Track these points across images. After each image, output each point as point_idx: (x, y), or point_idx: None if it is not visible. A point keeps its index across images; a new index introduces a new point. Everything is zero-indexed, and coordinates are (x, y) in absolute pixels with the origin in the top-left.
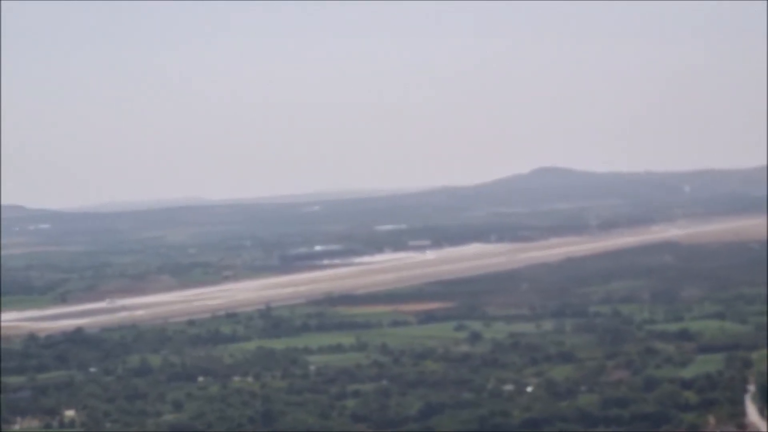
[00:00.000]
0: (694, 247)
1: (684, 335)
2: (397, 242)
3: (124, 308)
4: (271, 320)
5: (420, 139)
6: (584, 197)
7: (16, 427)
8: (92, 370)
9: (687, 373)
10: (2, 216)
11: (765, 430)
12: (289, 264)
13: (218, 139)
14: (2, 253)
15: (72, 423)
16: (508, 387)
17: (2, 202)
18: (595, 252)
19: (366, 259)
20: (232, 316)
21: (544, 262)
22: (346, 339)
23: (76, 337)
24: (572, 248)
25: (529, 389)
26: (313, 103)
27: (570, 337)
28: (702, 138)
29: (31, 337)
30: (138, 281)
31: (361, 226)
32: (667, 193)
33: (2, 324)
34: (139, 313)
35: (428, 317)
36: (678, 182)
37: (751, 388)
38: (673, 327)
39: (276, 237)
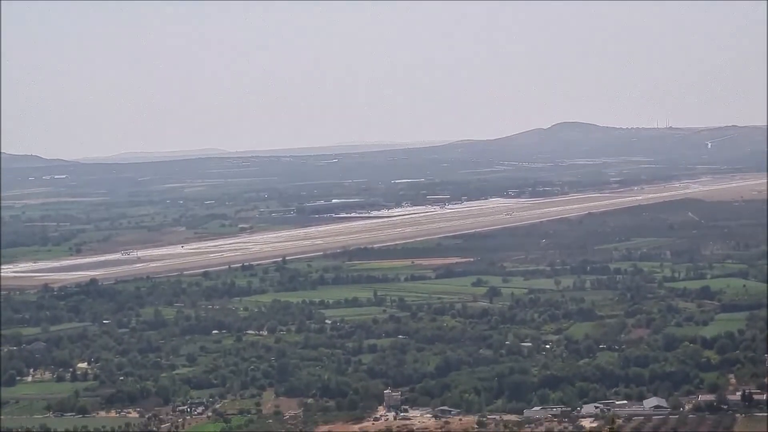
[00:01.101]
0: (716, 205)
1: (705, 293)
2: (415, 196)
3: (139, 260)
4: (287, 273)
5: (440, 92)
6: (606, 153)
7: (29, 378)
8: (106, 322)
9: (708, 332)
10: (18, 166)
11: None
12: (306, 217)
13: (237, 91)
14: (17, 203)
15: (85, 375)
16: (527, 344)
17: (19, 152)
18: (616, 208)
19: (384, 212)
20: (247, 269)
21: (565, 217)
22: (363, 293)
23: (91, 288)
24: (593, 204)
25: (548, 346)
26: (331, 56)
27: (590, 294)
28: (726, 94)
29: (46, 288)
30: (154, 233)
31: (379, 180)
32: (689, 149)
33: (16, 275)
34: (154, 265)
35: (446, 272)
36: (701, 139)
37: None
38: (695, 285)
39: (293, 190)
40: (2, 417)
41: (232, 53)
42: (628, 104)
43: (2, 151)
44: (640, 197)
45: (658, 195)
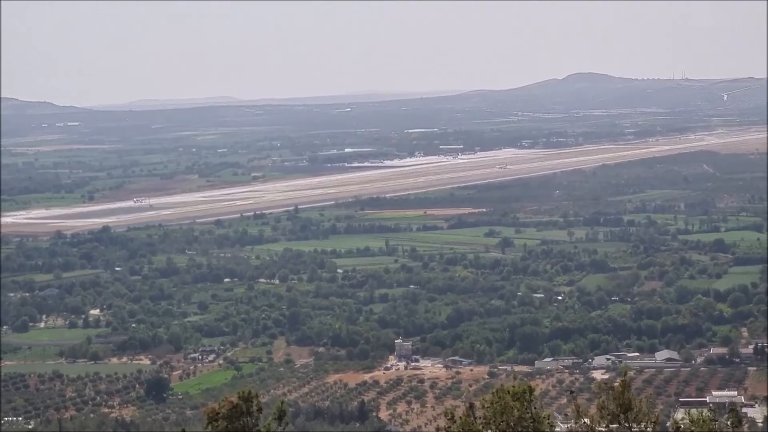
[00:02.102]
0: (731, 157)
1: (719, 246)
2: (428, 146)
3: (151, 207)
4: (299, 222)
5: (455, 41)
6: (620, 104)
7: (42, 324)
8: (118, 269)
9: (721, 284)
10: (31, 112)
11: None
12: (318, 166)
13: (250, 38)
14: (30, 150)
15: (97, 322)
16: (539, 295)
17: (32, 99)
18: (631, 160)
19: (396, 162)
20: (260, 218)
21: (578, 168)
22: (375, 243)
23: (103, 236)
24: (607, 155)
25: (560, 298)
26: (346, 3)
27: (603, 246)
28: (743, 45)
29: (58, 235)
30: (166, 181)
31: (392, 129)
32: (705, 101)
33: (30, 221)
34: (167, 212)
35: (459, 222)
36: (717, 90)
37: None
38: (709, 238)
39: (306, 138)
40: (15, 362)
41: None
42: (644, 55)
43: (15, 98)
44: (655, 149)
45: (672, 147)
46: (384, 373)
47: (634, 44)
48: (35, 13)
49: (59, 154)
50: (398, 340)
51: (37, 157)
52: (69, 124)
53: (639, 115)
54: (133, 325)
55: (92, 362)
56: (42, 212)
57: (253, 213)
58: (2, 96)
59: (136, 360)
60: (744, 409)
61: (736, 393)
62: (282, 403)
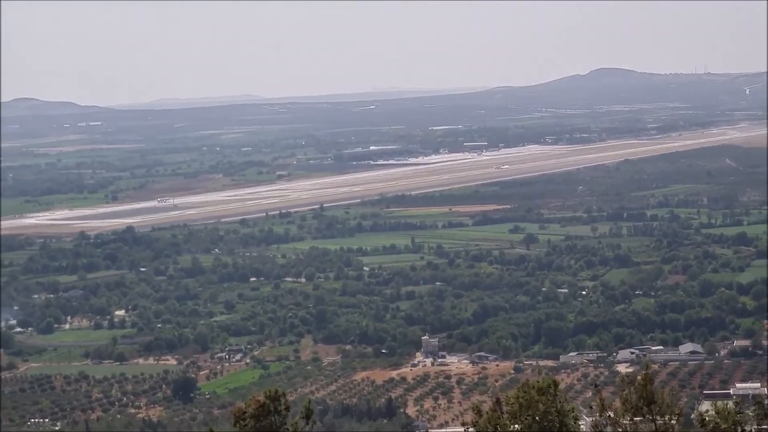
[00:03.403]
0: (754, 151)
1: (742, 240)
2: (452, 143)
3: (175, 207)
4: (324, 220)
5: (478, 38)
6: (643, 99)
7: (67, 326)
8: (143, 269)
9: (744, 278)
10: (53, 113)
11: None
12: (343, 164)
13: (273, 36)
14: (53, 150)
15: (122, 322)
16: (563, 290)
17: (54, 99)
18: (654, 155)
19: (421, 159)
20: (285, 216)
21: (602, 164)
22: (401, 240)
23: (127, 236)
24: (630, 151)
25: (584, 292)
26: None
27: (626, 241)
28: (764, 39)
29: (82, 236)
30: (190, 180)
31: (416, 127)
32: (728, 95)
33: (53, 222)
34: (191, 212)
35: (484, 219)
36: (739, 84)
37: None
38: (732, 231)
39: (331, 136)
40: (41, 363)
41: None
42: (667, 50)
43: (37, 98)
44: (678, 144)
45: (695, 141)
46: (411, 370)
47: (657, 39)
48: (56, 13)
49: (82, 154)
50: (425, 337)
51: (59, 157)
52: (91, 123)
53: (662, 110)
54: (159, 325)
55: (118, 363)
56: (65, 213)
57: (278, 212)
58: (24, 96)
59: (163, 360)
60: None
61: (759, 385)
62: (309, 402)
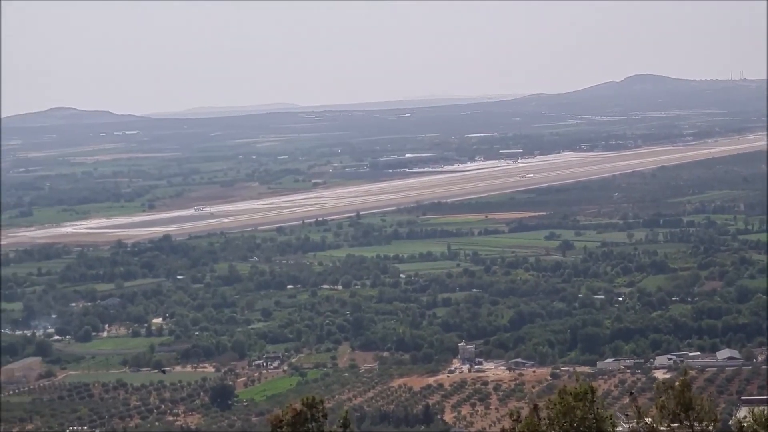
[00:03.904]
0: None
1: None
2: (488, 150)
3: (212, 215)
4: (361, 228)
5: (513, 45)
6: (679, 105)
7: (105, 334)
8: (180, 277)
9: None
10: (90, 122)
11: None
12: (379, 171)
13: (309, 44)
14: (89, 159)
15: (160, 330)
16: (600, 296)
17: (90, 108)
18: (690, 161)
19: (457, 167)
20: (321, 224)
21: (638, 170)
22: (437, 247)
23: (164, 244)
24: (666, 157)
25: (621, 299)
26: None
27: (663, 247)
28: None
29: (119, 244)
30: (227, 188)
31: (452, 134)
32: (763, 101)
33: (90, 231)
34: (228, 220)
35: (519, 226)
36: None
37: None
38: None
39: (367, 144)
40: (79, 371)
41: (302, 7)
42: (702, 56)
43: (74, 107)
44: (714, 150)
45: (731, 147)
46: (448, 377)
47: (692, 45)
48: (93, 22)
49: (118, 163)
50: (461, 344)
51: (96, 166)
52: (127, 132)
53: (697, 116)
54: (197, 333)
55: (156, 371)
56: (102, 221)
57: (314, 219)
58: (61, 106)
59: (200, 368)
60: None
61: None
62: (346, 412)
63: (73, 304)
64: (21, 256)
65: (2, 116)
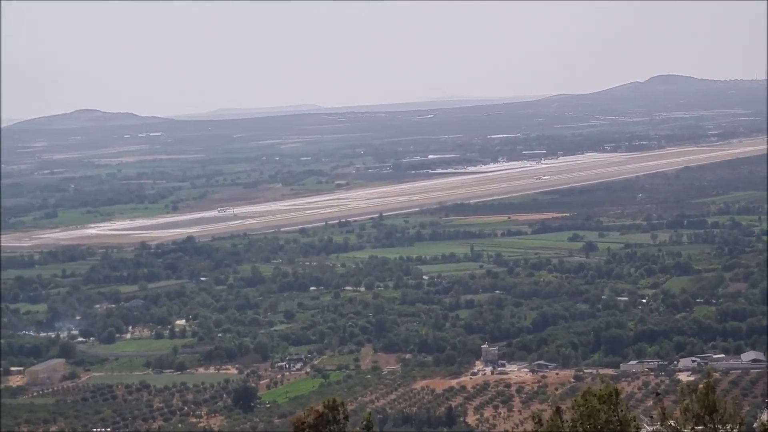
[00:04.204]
0: None
1: None
2: (511, 151)
3: (235, 217)
4: (384, 229)
5: (536, 45)
6: (703, 106)
7: (128, 335)
8: (203, 279)
9: None
10: (114, 124)
11: None
12: (402, 173)
13: (332, 46)
14: (113, 161)
15: (183, 332)
16: (623, 298)
17: (114, 110)
18: (714, 161)
19: (479, 168)
20: (344, 225)
21: (661, 171)
22: (460, 249)
23: (187, 246)
24: (690, 158)
25: (645, 301)
26: (427, 9)
27: (687, 248)
28: None
29: (143, 246)
30: (250, 190)
31: (475, 135)
32: None
33: (114, 233)
34: (251, 221)
35: (543, 227)
36: None
37: None
38: None
39: (389, 146)
40: (103, 373)
41: (324, 8)
42: (726, 56)
43: (98, 109)
44: (738, 150)
45: (756, 148)
46: (471, 379)
47: (716, 45)
48: (118, 25)
49: (142, 165)
50: (484, 346)
51: (120, 168)
52: (151, 134)
53: (722, 117)
54: (220, 334)
55: (179, 372)
56: (126, 223)
57: (337, 221)
58: (86, 108)
59: (223, 370)
60: None
61: None
62: (369, 414)
63: (97, 306)
64: (45, 258)
65: (28, 118)
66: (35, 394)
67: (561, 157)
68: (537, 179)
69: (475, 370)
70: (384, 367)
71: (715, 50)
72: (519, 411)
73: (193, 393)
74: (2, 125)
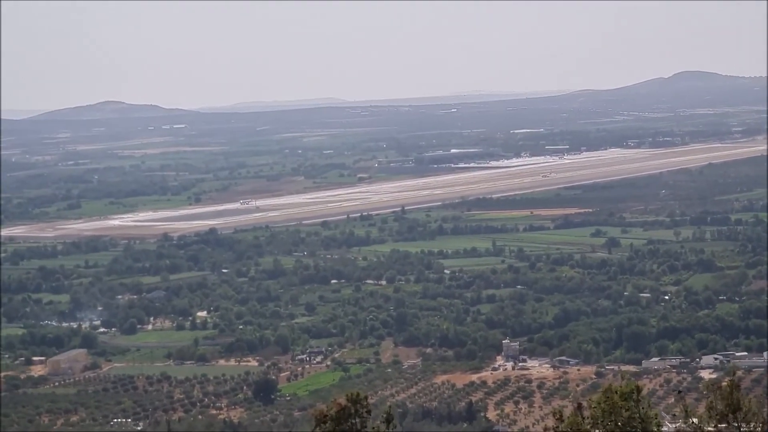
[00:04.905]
0: None
1: None
2: (534, 146)
3: (258, 209)
4: (405, 223)
5: (561, 40)
6: (728, 102)
7: (150, 326)
8: (225, 271)
9: None
10: (138, 115)
11: None
12: (424, 167)
13: (356, 39)
14: (137, 153)
15: (204, 324)
16: (646, 295)
17: (139, 102)
18: (738, 158)
19: (502, 162)
20: (366, 219)
21: (685, 167)
22: (482, 243)
23: (210, 237)
24: (714, 154)
25: (667, 297)
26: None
27: (710, 245)
28: None
29: (165, 238)
30: (272, 182)
31: (497, 130)
32: None
33: (137, 224)
34: (273, 214)
35: (565, 222)
36: None
37: None
38: None
39: (412, 139)
40: (124, 364)
41: (350, 2)
42: (751, 52)
43: (123, 101)
44: (763, 147)
45: None
46: (491, 374)
47: (742, 42)
48: (142, 17)
49: (166, 157)
50: (505, 341)
51: (143, 159)
52: (175, 126)
53: (746, 114)
54: (241, 326)
55: (200, 364)
56: (149, 214)
57: (359, 214)
58: (110, 99)
59: (244, 362)
60: None
61: None
62: (390, 407)
63: (119, 297)
64: (68, 248)
65: (53, 109)
66: (57, 383)
67: (584, 153)
68: (543, 177)
69: (496, 366)
70: (404, 361)
71: (741, 46)
72: (540, 407)
73: (213, 385)
74: (27, 116)
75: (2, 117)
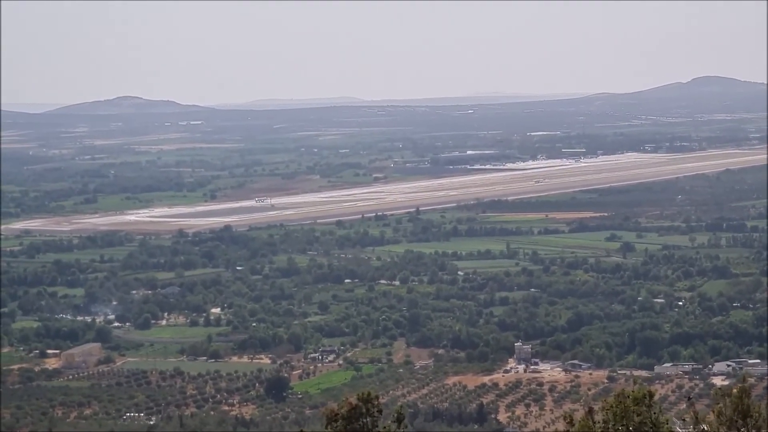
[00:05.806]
0: None
1: None
2: (550, 149)
3: (273, 207)
4: (420, 224)
5: (579, 43)
6: (746, 108)
7: (164, 322)
8: (239, 268)
9: None
10: (154, 111)
11: None
12: (440, 168)
13: (374, 38)
14: (153, 149)
15: (218, 320)
16: (660, 300)
17: (156, 97)
18: (756, 165)
19: (518, 165)
20: (381, 219)
21: (702, 173)
22: (496, 245)
23: (224, 234)
24: (731, 160)
25: (681, 303)
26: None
27: (725, 251)
28: None
29: (180, 234)
30: (288, 180)
31: (514, 132)
32: None
33: (152, 220)
34: (288, 212)
35: (580, 226)
36: None
37: None
38: None
39: (428, 140)
40: (137, 359)
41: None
42: None
43: (140, 96)
44: None
45: None
46: (503, 376)
47: (761, 48)
48: (161, 13)
49: (182, 153)
50: (518, 343)
51: (159, 155)
52: (191, 122)
53: (764, 120)
54: (254, 324)
55: (213, 360)
56: (164, 210)
57: (374, 214)
58: (128, 95)
59: (257, 359)
60: None
61: None
62: (401, 407)
63: (134, 292)
64: (84, 243)
65: (70, 103)
66: (70, 377)
67: (601, 156)
68: (536, 182)
69: (508, 368)
70: (416, 361)
71: (760, 52)
72: (551, 410)
73: (226, 381)
74: (45, 110)
75: (20, 111)
